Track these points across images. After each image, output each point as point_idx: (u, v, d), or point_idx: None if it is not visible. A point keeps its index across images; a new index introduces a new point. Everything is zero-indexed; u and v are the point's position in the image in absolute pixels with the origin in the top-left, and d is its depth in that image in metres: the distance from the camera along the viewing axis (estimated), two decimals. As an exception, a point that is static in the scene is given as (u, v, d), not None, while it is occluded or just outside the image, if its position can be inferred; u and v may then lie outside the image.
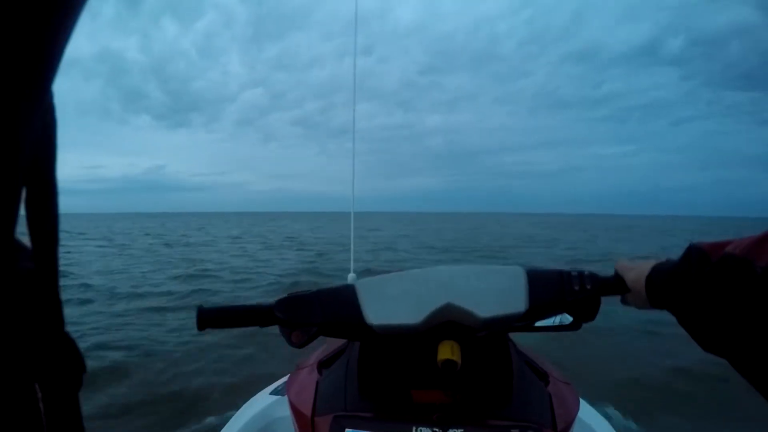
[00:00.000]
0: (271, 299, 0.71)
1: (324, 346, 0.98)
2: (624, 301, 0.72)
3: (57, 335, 0.27)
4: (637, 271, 0.68)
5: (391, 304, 0.69)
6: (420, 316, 0.66)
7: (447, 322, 0.68)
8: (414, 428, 0.64)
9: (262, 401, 1.04)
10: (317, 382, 0.80)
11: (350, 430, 0.65)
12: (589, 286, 0.71)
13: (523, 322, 0.70)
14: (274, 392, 1.07)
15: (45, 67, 0.20)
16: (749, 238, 0.48)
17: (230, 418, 1.06)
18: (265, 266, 12.23)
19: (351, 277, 1.71)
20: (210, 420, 3.19)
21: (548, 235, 27.96)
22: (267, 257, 14.69)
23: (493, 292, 0.69)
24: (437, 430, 0.63)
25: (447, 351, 0.65)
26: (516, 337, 0.82)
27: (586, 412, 0.98)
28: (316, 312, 0.69)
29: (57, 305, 0.27)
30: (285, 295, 0.71)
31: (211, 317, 0.70)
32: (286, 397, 0.81)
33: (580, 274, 0.72)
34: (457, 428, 0.64)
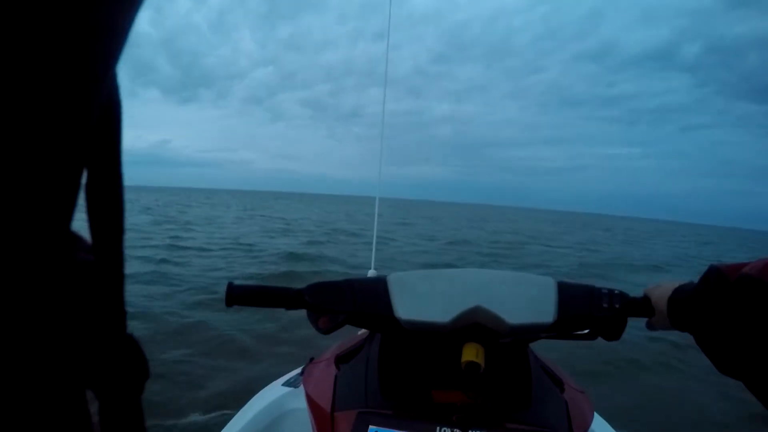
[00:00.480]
0: (302, 285, 0.74)
1: (341, 341, 0.98)
2: (649, 325, 0.72)
3: (117, 336, 0.25)
4: (660, 292, 0.67)
5: (421, 300, 0.70)
6: (449, 315, 0.67)
7: (474, 325, 0.69)
8: (438, 428, 0.63)
9: (275, 392, 1.05)
10: (336, 377, 0.79)
11: (374, 427, 0.64)
12: (617, 305, 0.71)
13: (550, 333, 0.71)
14: (287, 384, 1.07)
15: (112, 44, 0.19)
16: (764, 259, 0.49)
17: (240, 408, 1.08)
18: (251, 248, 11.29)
19: (371, 273, 1.71)
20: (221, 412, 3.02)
21: (551, 232, 27.54)
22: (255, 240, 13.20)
23: (523, 299, 0.70)
24: (458, 431, 0.63)
25: (472, 353, 0.66)
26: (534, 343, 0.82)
27: (598, 423, 0.97)
28: (347, 300, 0.71)
29: (119, 303, 0.24)
30: (316, 281, 0.73)
31: (240, 294, 0.71)
32: (298, 390, 0.84)
33: (610, 292, 0.73)
34: (479, 430, 0.63)
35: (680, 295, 0.62)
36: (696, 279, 0.63)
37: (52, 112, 0.17)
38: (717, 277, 0.53)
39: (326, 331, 0.70)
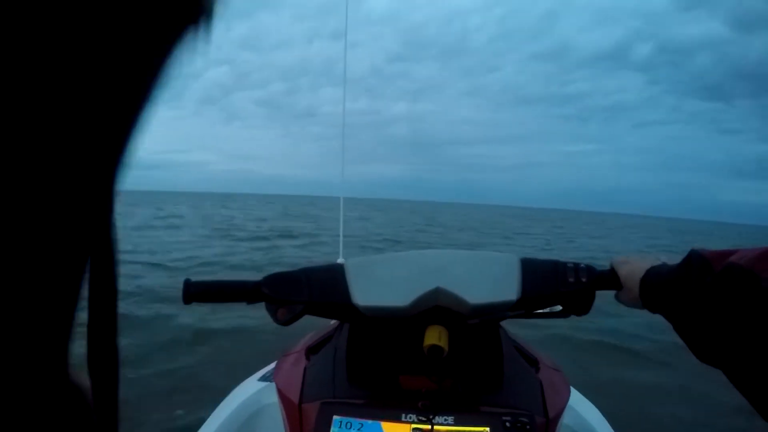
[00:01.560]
0: (259, 276, 0.70)
1: (313, 332, 0.96)
2: (617, 298, 0.71)
3: None
4: (631, 268, 0.67)
5: (379, 285, 0.68)
6: (408, 299, 0.66)
7: (436, 308, 0.68)
8: (403, 415, 0.63)
9: (251, 388, 1.02)
10: (305, 368, 0.78)
11: (338, 417, 0.63)
12: (584, 279, 0.70)
13: (515, 311, 0.69)
14: (263, 378, 1.05)
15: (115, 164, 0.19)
16: (755, 250, 0.46)
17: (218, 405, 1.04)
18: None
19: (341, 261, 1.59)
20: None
21: (505, 226, 28.65)
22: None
23: (485, 278, 0.69)
24: (424, 417, 0.62)
25: (434, 336, 0.66)
26: (505, 322, 0.79)
27: (576, 399, 0.95)
28: (303, 290, 0.69)
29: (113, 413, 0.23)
30: (273, 271, 0.71)
31: (198, 291, 0.69)
32: (274, 384, 0.80)
33: (576, 266, 0.72)
34: (447, 416, 0.63)
35: (656, 277, 0.60)
36: (659, 258, 0.63)
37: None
38: (700, 263, 0.51)
39: (285, 322, 0.69)
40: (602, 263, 0.76)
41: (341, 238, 2.02)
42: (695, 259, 0.52)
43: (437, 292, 0.67)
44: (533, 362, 0.83)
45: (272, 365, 0.98)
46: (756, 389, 0.43)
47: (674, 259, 0.60)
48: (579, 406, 0.94)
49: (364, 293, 0.68)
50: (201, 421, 0.92)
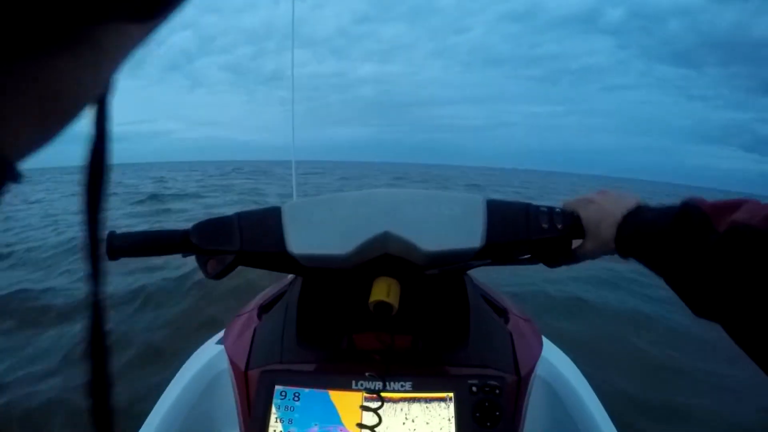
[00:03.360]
0: (190, 224, 0.62)
1: (268, 288, 0.89)
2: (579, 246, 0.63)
3: None
4: (601, 210, 0.58)
5: (318, 230, 0.59)
6: (350, 245, 0.57)
7: (385, 256, 0.60)
8: (353, 382, 0.57)
9: (209, 352, 0.98)
10: (255, 329, 0.71)
11: (280, 387, 0.57)
12: (560, 226, 0.61)
13: (478, 260, 0.60)
14: (220, 342, 0.99)
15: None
16: (763, 206, 0.41)
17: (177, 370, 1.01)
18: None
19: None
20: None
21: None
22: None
23: (444, 222, 0.59)
24: (378, 384, 0.56)
25: (381, 291, 0.58)
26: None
27: (548, 350, 0.90)
28: (234, 237, 0.60)
29: None
30: (204, 218, 0.62)
31: (123, 245, 0.58)
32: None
33: (551, 210, 0.62)
34: (404, 380, 0.56)
35: (640, 226, 0.53)
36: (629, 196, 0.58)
37: None
38: (699, 219, 0.45)
39: (215, 276, 0.60)
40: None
41: (294, 193, 1.96)
42: (693, 214, 0.46)
43: (385, 238, 0.58)
44: (502, 312, 0.76)
45: None
46: (760, 344, 0.41)
47: (647, 200, 0.56)
48: (552, 356, 0.93)
49: (300, 240, 0.59)
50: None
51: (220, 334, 1.04)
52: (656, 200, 0.55)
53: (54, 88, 0.16)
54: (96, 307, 0.23)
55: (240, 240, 0.60)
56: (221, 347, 0.89)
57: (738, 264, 0.41)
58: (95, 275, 0.23)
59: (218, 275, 0.60)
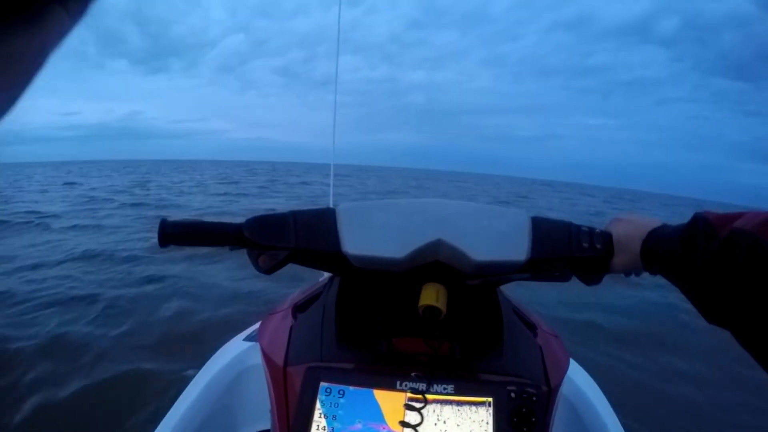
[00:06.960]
0: (242, 218, 0.63)
1: (301, 288, 0.90)
2: (611, 267, 0.65)
3: None
4: (629, 228, 0.63)
5: (373, 233, 0.61)
6: (405, 250, 0.59)
7: (435, 263, 0.62)
8: (398, 382, 0.59)
9: (236, 348, 0.99)
10: (291, 328, 0.72)
11: (325, 384, 0.59)
12: (599, 246, 0.63)
13: (522, 273, 0.62)
14: (248, 338, 1.01)
15: None
16: (759, 214, 0.45)
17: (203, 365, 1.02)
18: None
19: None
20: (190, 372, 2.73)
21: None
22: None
23: (492, 234, 0.62)
24: (423, 385, 0.58)
25: (431, 296, 0.61)
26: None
27: (574, 369, 0.90)
28: (289, 234, 0.62)
29: None
30: (258, 214, 0.64)
31: (175, 233, 0.61)
32: (258, 344, 0.74)
33: (591, 230, 0.65)
34: (446, 384, 0.59)
35: (660, 240, 0.57)
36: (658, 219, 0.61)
37: None
38: (705, 228, 0.49)
39: (267, 270, 0.62)
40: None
41: (331, 198, 1.97)
42: (700, 224, 0.50)
43: (438, 245, 0.60)
44: (531, 327, 0.78)
45: (257, 325, 0.89)
46: (762, 346, 0.44)
47: (673, 223, 0.59)
48: (575, 376, 0.92)
49: (356, 241, 0.61)
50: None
51: (247, 331, 1.05)
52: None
53: None
54: None
55: (295, 238, 0.62)
56: (248, 344, 0.93)
57: (735, 268, 0.43)
58: None
59: (270, 270, 0.62)
